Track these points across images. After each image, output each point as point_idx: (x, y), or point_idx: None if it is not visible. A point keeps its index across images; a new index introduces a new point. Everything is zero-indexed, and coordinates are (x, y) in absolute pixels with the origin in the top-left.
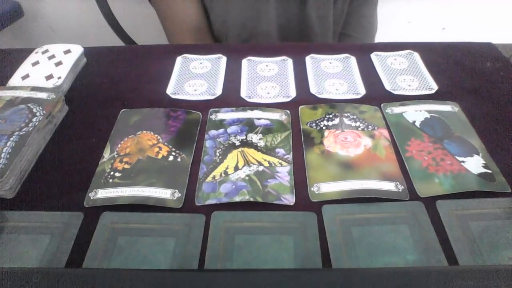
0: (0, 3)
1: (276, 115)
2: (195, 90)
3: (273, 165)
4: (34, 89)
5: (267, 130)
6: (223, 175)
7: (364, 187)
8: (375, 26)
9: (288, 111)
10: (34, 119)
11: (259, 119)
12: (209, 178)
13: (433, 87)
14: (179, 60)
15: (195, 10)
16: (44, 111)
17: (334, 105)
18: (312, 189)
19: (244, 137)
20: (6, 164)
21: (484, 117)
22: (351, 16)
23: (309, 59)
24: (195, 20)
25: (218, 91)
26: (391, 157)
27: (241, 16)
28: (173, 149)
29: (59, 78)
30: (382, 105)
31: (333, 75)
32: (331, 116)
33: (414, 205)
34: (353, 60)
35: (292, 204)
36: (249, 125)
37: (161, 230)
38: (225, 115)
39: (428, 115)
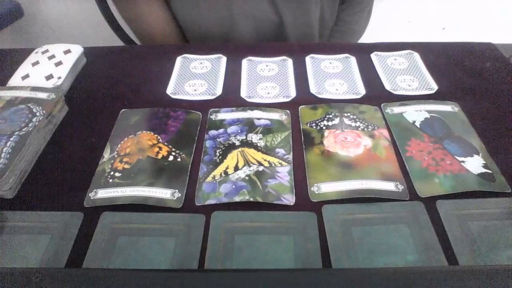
0: (0, 3)
1: (276, 115)
2: (195, 90)
3: (273, 165)
4: (34, 89)
5: (267, 130)
6: (223, 175)
7: (364, 187)
8: (357, 33)
9: (288, 111)
10: (34, 119)
11: (259, 119)
12: (209, 178)
13: (433, 87)
14: (179, 60)
15: (161, 16)
16: (44, 111)
17: (334, 105)
18: (312, 189)
19: (244, 137)
20: (6, 164)
21: (484, 117)
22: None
23: (309, 59)
24: (162, 27)
25: (218, 91)
26: (391, 157)
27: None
28: (173, 149)
29: (59, 78)
30: (382, 105)
31: (333, 75)
32: (331, 116)
33: (414, 205)
34: (353, 60)
35: (292, 204)
36: (249, 125)
37: (161, 230)
38: (225, 115)
39: (428, 115)
